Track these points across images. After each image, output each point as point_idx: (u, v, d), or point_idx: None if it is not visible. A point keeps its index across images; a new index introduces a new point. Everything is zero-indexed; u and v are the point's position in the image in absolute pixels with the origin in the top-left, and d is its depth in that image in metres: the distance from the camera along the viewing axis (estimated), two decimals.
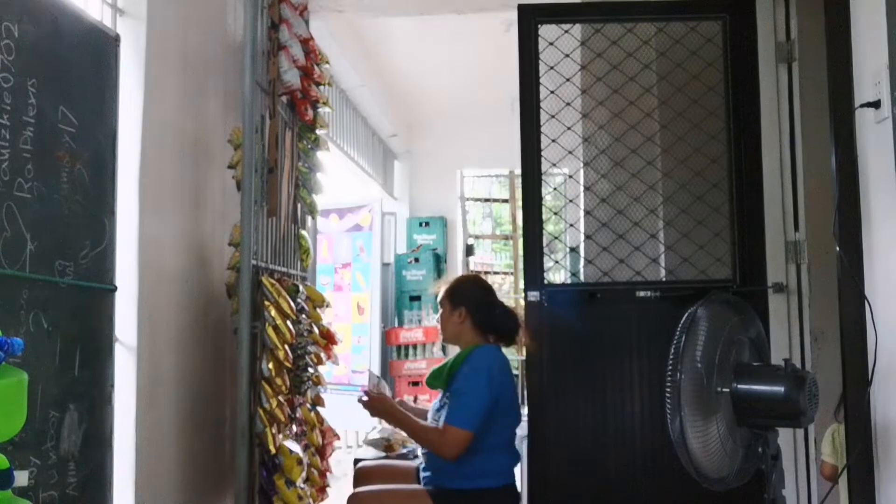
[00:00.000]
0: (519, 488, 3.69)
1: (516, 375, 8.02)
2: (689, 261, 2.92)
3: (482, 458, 2.42)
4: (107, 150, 1.98)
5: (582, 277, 3.22)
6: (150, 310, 2.28)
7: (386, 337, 6.22)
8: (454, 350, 2.74)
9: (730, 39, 2.96)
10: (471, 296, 2.61)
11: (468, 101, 6.36)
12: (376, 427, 3.78)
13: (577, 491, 2.91)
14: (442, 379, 2.55)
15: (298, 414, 2.76)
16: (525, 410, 2.90)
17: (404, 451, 3.60)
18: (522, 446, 3.27)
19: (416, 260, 6.77)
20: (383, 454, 3.67)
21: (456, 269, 7.17)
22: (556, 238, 3.18)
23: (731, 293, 1.89)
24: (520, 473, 3.80)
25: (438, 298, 2.68)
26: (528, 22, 3.02)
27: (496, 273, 9.55)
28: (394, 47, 5.38)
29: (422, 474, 2.57)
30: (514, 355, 8.06)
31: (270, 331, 2.46)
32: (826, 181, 2.59)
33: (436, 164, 7.17)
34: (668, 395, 1.64)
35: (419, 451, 2.63)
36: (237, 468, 2.42)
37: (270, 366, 2.45)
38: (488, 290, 2.69)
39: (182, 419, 2.48)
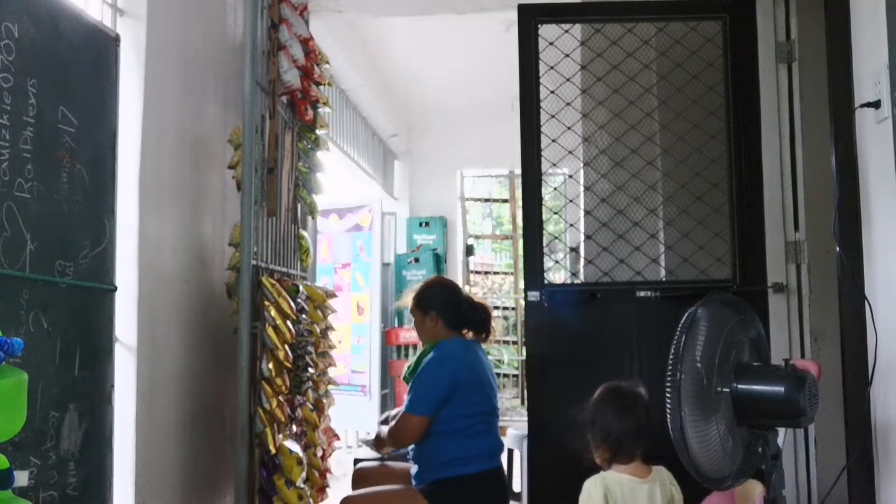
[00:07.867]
0: (518, 487, 3.71)
1: (516, 376, 8.04)
2: (689, 261, 2.91)
3: (460, 444, 2.44)
4: (107, 150, 1.98)
5: (582, 277, 3.22)
6: (150, 310, 2.28)
7: (386, 337, 6.21)
8: None
9: (730, 39, 2.96)
10: (437, 298, 2.65)
11: (468, 101, 6.35)
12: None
13: (576, 490, 2.90)
14: (412, 372, 2.59)
15: (298, 414, 2.76)
16: (525, 410, 2.90)
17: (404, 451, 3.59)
18: (523, 446, 3.26)
19: (416, 260, 6.76)
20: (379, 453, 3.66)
21: (456, 269, 7.16)
22: (556, 238, 3.18)
23: (731, 293, 1.88)
24: (519, 472, 3.81)
25: (409, 309, 2.71)
26: (528, 22, 3.02)
27: (496, 273, 9.55)
28: (394, 47, 5.37)
29: (411, 472, 2.59)
30: (515, 355, 8.08)
31: (270, 331, 2.46)
32: (826, 181, 2.59)
33: (436, 164, 7.17)
34: (668, 395, 1.64)
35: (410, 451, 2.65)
36: (237, 468, 2.42)
37: (270, 366, 2.45)
38: (452, 289, 2.72)
39: (182, 419, 2.47)
